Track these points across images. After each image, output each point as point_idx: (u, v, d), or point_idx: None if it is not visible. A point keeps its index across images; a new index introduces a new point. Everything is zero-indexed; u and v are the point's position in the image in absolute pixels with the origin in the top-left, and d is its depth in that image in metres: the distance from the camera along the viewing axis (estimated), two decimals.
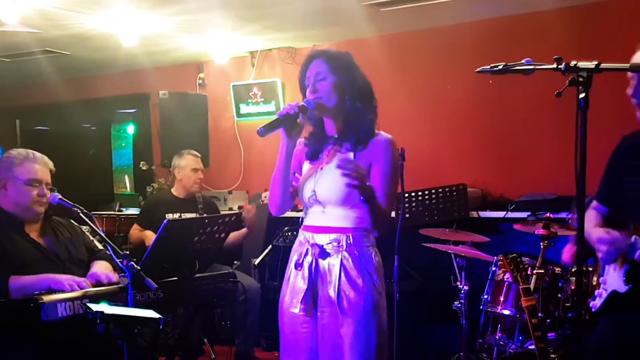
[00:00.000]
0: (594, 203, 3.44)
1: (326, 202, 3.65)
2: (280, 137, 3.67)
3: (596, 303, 3.30)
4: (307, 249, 3.70)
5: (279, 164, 3.73)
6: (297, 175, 3.87)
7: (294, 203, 3.97)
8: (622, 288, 3.06)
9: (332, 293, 3.61)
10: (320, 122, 3.79)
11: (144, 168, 10.08)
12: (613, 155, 3.33)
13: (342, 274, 3.60)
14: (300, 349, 3.74)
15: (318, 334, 3.68)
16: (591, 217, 3.38)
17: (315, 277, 3.66)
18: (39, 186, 4.29)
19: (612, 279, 3.17)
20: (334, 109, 3.68)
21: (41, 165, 4.34)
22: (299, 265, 3.72)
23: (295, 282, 3.74)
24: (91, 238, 4.62)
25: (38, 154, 4.40)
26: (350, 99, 3.65)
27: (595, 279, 3.45)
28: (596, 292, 3.34)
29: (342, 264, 3.61)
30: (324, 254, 3.65)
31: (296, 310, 3.71)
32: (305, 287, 3.67)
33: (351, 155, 3.65)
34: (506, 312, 5.53)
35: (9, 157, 4.36)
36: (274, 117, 3.62)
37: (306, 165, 3.83)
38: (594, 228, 3.29)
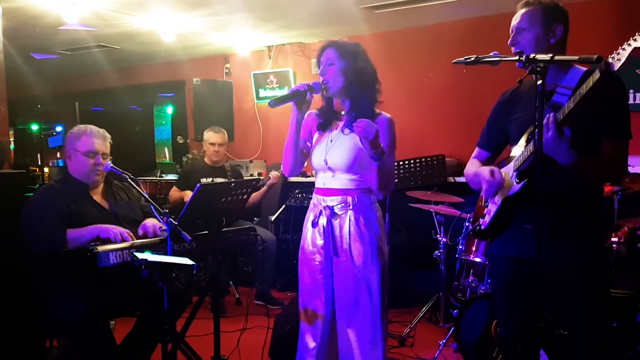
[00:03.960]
0: (475, 152, 3.44)
1: (335, 168, 3.63)
2: (291, 113, 3.65)
3: (485, 220, 3.27)
4: (321, 210, 3.70)
5: (290, 133, 3.69)
6: (308, 144, 3.84)
7: (303, 168, 3.96)
8: (514, 188, 3.03)
9: (344, 245, 3.63)
10: (330, 99, 3.75)
11: (180, 141, 10.07)
12: (496, 107, 3.35)
13: (351, 229, 3.62)
14: (320, 290, 3.75)
15: (334, 278, 3.70)
16: (472, 165, 3.40)
17: (330, 233, 3.67)
18: (95, 156, 4.25)
19: (501, 192, 3.14)
20: (340, 90, 3.64)
21: (97, 138, 4.27)
22: (315, 224, 3.74)
23: (314, 237, 3.75)
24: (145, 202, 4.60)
25: (95, 128, 4.32)
26: (355, 82, 3.61)
27: (482, 202, 3.40)
28: (485, 210, 3.31)
29: (350, 220, 3.63)
30: (334, 214, 3.66)
31: (316, 260, 3.74)
32: (322, 241, 3.69)
33: (357, 137, 3.60)
34: (477, 259, 5.52)
35: (72, 133, 4.32)
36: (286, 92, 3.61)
37: (316, 136, 3.80)
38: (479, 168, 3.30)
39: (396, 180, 6.43)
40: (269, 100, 3.55)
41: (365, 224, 3.63)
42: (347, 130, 3.64)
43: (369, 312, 3.62)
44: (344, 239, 3.64)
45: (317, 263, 3.74)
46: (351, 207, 3.63)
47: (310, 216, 3.81)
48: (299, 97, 3.59)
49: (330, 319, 3.76)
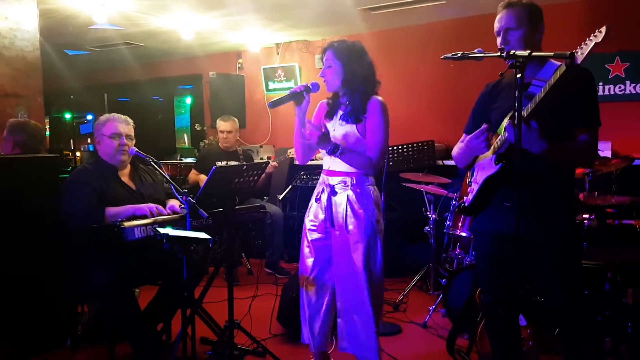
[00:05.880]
0: (462, 138, 3.43)
1: None
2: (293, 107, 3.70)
3: (469, 198, 3.28)
4: (323, 188, 3.78)
5: (296, 127, 3.74)
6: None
7: (315, 154, 4.00)
8: (492, 170, 3.04)
9: (341, 220, 3.69)
10: (336, 92, 3.79)
11: (198, 128, 10.06)
12: (480, 98, 3.35)
13: (348, 207, 3.66)
14: (319, 259, 3.83)
15: (332, 249, 3.77)
16: (458, 146, 3.39)
17: (330, 209, 3.73)
18: (119, 138, 4.28)
19: (482, 173, 3.15)
20: (337, 88, 3.72)
21: (120, 123, 4.31)
22: (318, 200, 3.81)
23: (317, 212, 3.82)
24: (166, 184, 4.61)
25: (118, 115, 4.37)
26: (349, 80, 3.65)
27: (467, 182, 3.40)
28: (469, 189, 3.32)
29: (347, 199, 3.67)
30: (334, 192, 3.72)
31: (317, 232, 3.82)
32: (323, 216, 3.76)
33: (354, 127, 3.66)
34: (463, 234, 5.53)
35: (99, 121, 4.36)
36: (286, 92, 3.64)
37: (327, 123, 3.84)
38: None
39: (390, 163, 6.42)
40: (269, 102, 3.62)
41: (360, 202, 3.67)
42: (341, 122, 3.71)
43: (359, 278, 3.64)
44: (340, 215, 3.68)
45: (318, 235, 3.81)
46: (349, 187, 3.68)
47: (315, 192, 3.87)
48: (297, 98, 3.64)
49: (330, 286, 3.82)
